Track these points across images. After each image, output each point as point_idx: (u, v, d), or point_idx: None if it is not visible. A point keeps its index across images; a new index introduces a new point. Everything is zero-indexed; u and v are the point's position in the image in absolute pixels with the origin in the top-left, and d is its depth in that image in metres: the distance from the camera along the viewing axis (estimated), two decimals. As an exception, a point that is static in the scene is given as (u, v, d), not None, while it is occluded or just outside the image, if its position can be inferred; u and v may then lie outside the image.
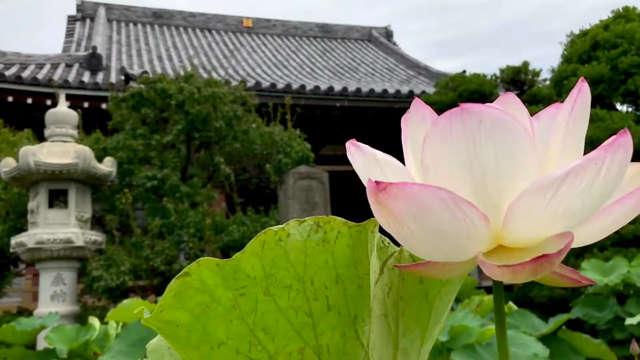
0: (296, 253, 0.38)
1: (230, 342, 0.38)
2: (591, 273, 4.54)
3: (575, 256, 5.92)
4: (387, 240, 0.46)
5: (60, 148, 5.63)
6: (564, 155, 0.37)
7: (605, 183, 0.33)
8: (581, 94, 0.37)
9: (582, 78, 0.37)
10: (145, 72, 10.66)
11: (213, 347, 0.38)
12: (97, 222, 7.00)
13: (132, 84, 9.02)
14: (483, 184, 0.34)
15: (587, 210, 0.34)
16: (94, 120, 8.44)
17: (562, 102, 0.39)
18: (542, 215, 0.33)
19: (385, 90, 12.04)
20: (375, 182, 0.33)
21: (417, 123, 0.40)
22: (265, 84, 11.65)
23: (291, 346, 0.39)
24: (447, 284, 0.46)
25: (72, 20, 17.99)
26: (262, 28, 20.35)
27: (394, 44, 20.91)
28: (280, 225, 0.38)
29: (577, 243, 0.37)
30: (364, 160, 0.41)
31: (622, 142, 0.32)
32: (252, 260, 0.38)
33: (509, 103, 0.41)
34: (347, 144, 0.42)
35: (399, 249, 0.45)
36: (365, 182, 0.36)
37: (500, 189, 0.34)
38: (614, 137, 0.33)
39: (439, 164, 0.35)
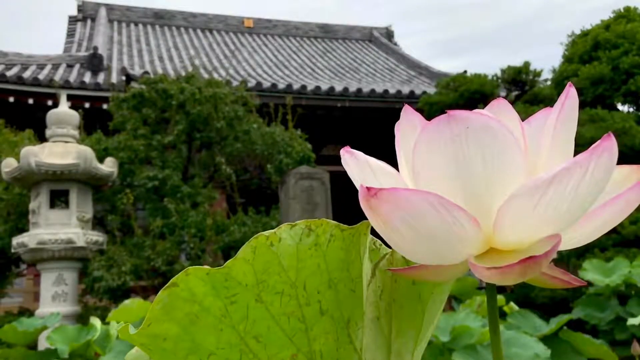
0: (288, 258, 0.38)
1: (221, 352, 0.37)
2: (592, 273, 4.53)
3: (577, 257, 5.92)
4: (379, 241, 0.46)
5: (62, 148, 5.63)
6: (553, 158, 0.38)
7: (591, 186, 0.33)
8: (569, 98, 0.37)
9: (570, 83, 0.38)
10: (146, 72, 10.68)
11: (202, 359, 0.37)
12: (98, 223, 7.01)
13: (133, 84, 9.02)
14: (472, 188, 0.35)
15: (575, 213, 0.35)
16: (95, 121, 8.44)
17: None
18: (531, 217, 0.34)
19: (386, 91, 12.02)
20: (367, 187, 0.34)
21: (407, 130, 0.41)
22: (266, 84, 11.64)
23: (283, 353, 0.39)
24: (439, 285, 0.45)
25: (73, 20, 18.00)
26: (263, 28, 20.34)
27: (395, 44, 20.88)
28: (272, 230, 0.38)
29: (570, 244, 0.38)
30: (358, 166, 0.41)
31: (607, 146, 0.33)
32: (244, 267, 0.37)
33: (499, 108, 0.42)
34: (341, 152, 0.42)
35: (390, 250, 0.45)
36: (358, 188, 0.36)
37: (490, 193, 0.35)
38: (599, 140, 0.33)
39: (428, 170, 0.35)
